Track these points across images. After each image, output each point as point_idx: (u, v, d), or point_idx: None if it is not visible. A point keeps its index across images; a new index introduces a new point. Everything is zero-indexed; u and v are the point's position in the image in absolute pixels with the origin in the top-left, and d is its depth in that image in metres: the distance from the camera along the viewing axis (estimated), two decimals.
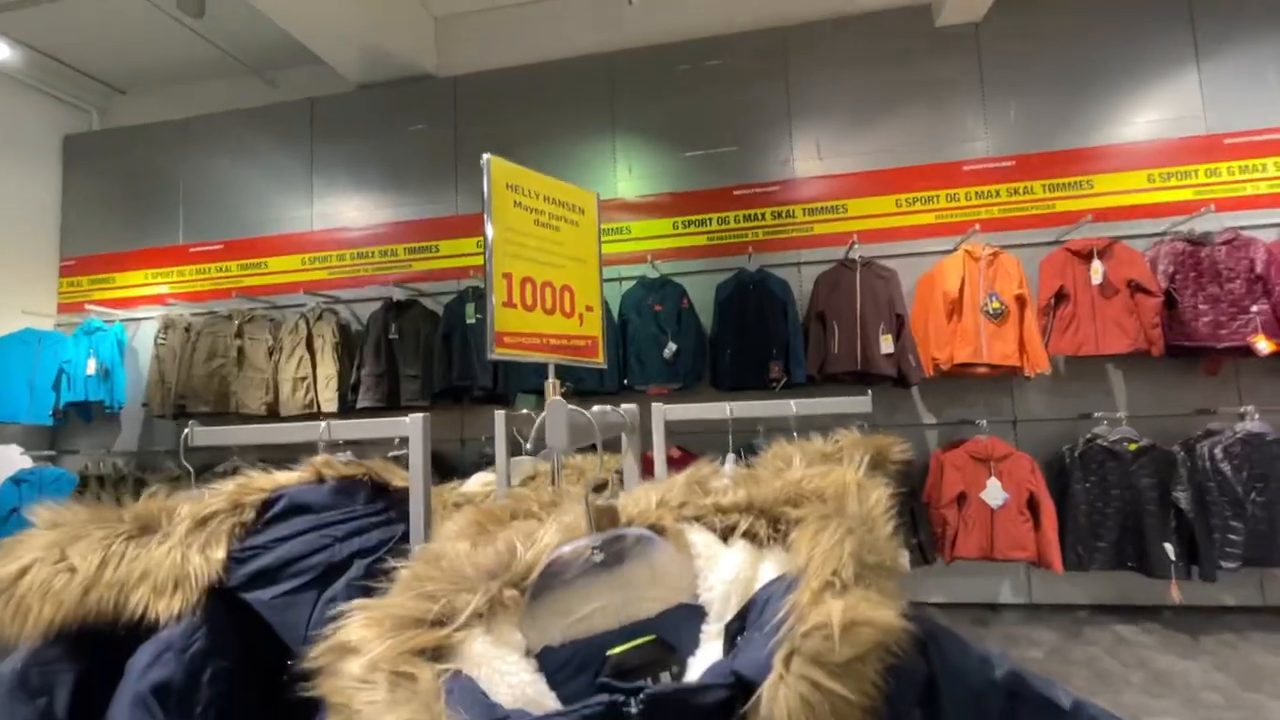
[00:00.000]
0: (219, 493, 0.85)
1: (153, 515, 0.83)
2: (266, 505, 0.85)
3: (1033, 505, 3.02)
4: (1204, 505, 2.86)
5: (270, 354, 3.90)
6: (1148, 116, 3.41)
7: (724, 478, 0.61)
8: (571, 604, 0.50)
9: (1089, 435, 3.05)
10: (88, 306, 4.32)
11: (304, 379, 3.81)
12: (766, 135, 3.78)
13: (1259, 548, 2.78)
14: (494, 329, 1.03)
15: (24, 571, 0.77)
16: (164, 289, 4.38)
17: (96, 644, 0.78)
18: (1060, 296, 3.16)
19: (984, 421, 3.20)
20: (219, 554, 0.78)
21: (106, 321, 4.27)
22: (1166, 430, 3.07)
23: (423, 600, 0.45)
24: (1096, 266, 3.08)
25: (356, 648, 0.42)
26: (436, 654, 0.43)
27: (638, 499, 0.56)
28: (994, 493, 3.01)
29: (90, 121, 4.79)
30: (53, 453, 4.32)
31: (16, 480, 3.96)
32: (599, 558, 0.51)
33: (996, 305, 3.13)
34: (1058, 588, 3.27)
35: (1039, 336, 3.12)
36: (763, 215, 3.73)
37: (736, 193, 3.77)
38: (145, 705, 0.70)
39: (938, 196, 3.57)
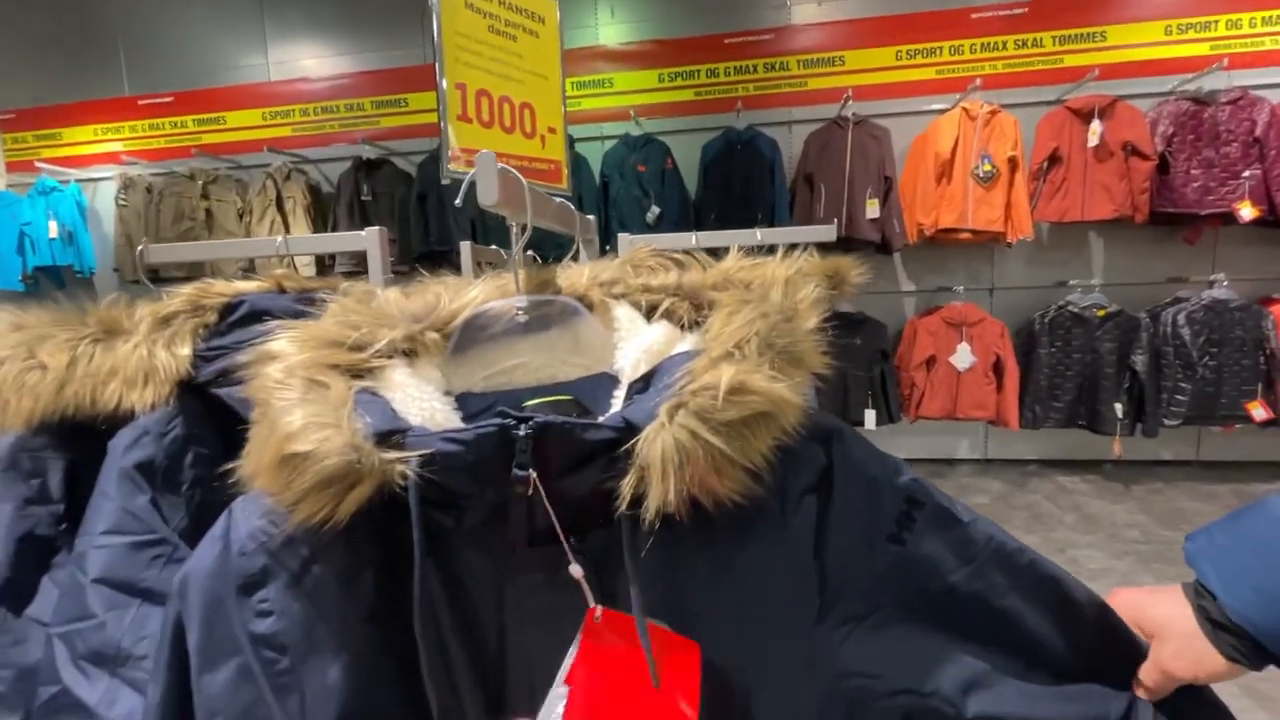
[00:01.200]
0: (178, 294, 0.85)
1: (116, 320, 0.84)
2: (229, 309, 0.86)
3: (998, 368, 3.14)
4: (1158, 368, 2.98)
5: (240, 217, 3.76)
6: None
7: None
8: (495, 357, 0.53)
9: (1061, 302, 3.10)
10: (38, 164, 4.07)
11: None
12: None
13: (1202, 407, 2.94)
14: (448, 146, 0.98)
15: None
16: (117, 146, 4.11)
17: (82, 437, 0.82)
18: (1053, 159, 3.07)
19: (961, 288, 3.24)
20: (184, 350, 0.80)
21: (61, 181, 4.05)
22: (1139, 298, 3.13)
23: (345, 328, 0.47)
24: (1095, 127, 2.96)
25: (278, 356, 0.45)
26: (353, 373, 0.46)
27: (570, 275, 0.57)
28: (963, 356, 3.11)
29: None
30: None
31: None
32: (523, 318, 0.53)
33: (988, 168, 3.04)
34: (1012, 444, 3.49)
35: (1026, 201, 3.07)
36: (754, 68, 3.49)
37: (727, 41, 3.49)
38: (131, 479, 0.75)
39: (941, 49, 3.33)
